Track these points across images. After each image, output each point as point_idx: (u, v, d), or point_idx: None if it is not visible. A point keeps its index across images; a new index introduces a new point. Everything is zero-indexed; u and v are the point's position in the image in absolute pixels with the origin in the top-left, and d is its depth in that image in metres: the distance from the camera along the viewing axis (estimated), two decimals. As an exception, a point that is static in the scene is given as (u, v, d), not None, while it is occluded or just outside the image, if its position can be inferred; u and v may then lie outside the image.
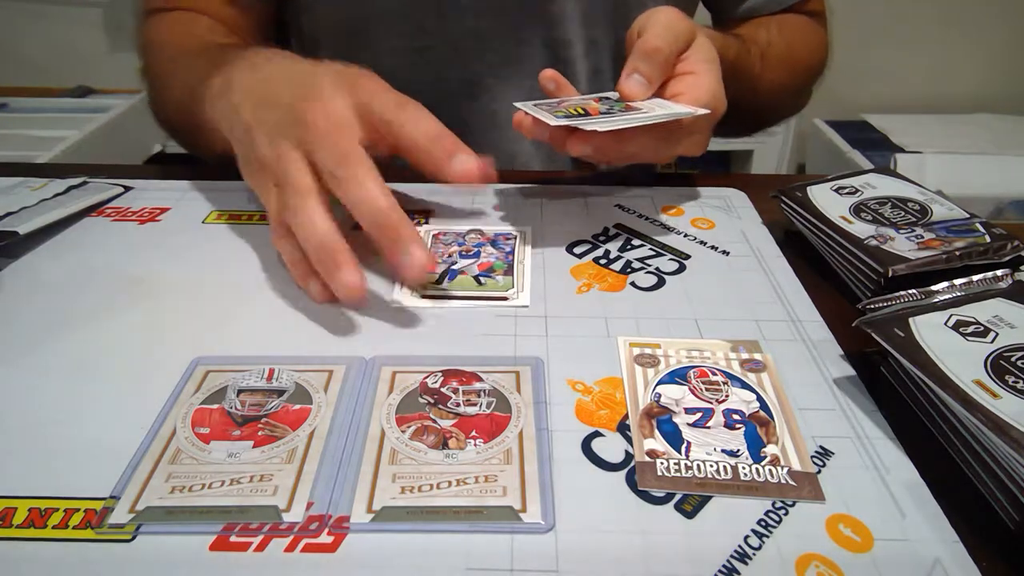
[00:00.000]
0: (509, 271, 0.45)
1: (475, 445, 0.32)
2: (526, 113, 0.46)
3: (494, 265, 0.45)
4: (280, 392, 0.35)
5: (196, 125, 0.51)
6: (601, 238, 0.49)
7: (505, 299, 0.42)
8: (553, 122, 0.43)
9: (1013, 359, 0.32)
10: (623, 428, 0.33)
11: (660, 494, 0.30)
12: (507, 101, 0.66)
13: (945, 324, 0.35)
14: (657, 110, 0.45)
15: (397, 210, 0.38)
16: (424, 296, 0.42)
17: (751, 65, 0.59)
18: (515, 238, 0.49)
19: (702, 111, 0.45)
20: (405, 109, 0.40)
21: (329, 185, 0.39)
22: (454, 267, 0.45)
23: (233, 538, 0.28)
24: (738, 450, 0.32)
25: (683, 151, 0.50)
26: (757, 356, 0.38)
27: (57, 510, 0.29)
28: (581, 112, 0.45)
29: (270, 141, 0.41)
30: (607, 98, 0.49)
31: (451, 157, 0.40)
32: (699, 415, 0.34)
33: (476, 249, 0.47)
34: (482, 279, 0.44)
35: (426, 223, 0.51)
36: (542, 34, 0.63)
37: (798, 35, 0.66)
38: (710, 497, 0.30)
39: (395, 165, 0.43)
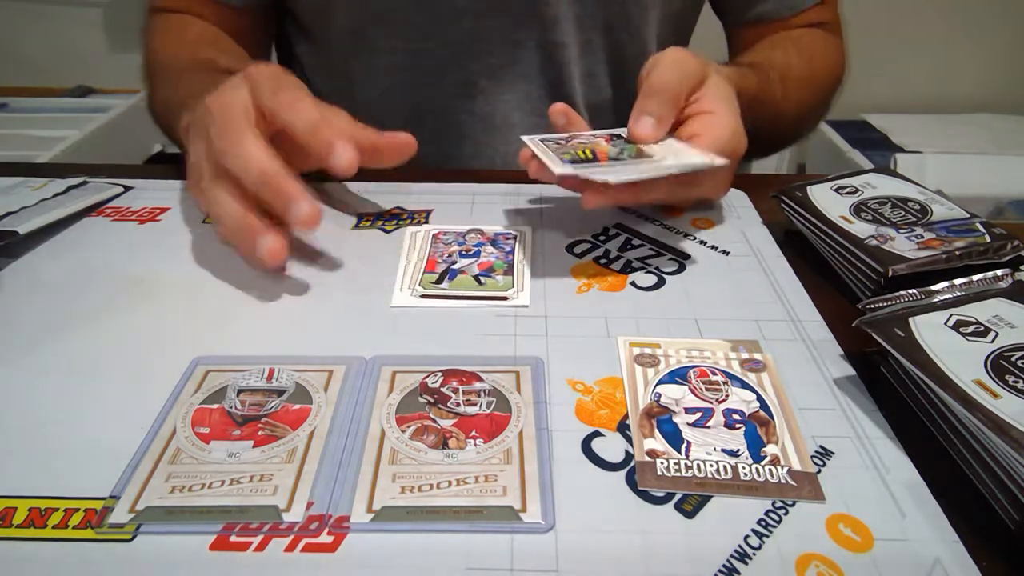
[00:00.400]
0: (509, 271, 0.45)
1: (475, 445, 0.32)
2: (533, 154, 0.45)
3: (494, 265, 0.45)
4: (280, 392, 0.35)
5: (175, 137, 0.54)
6: (601, 238, 0.49)
7: (505, 299, 0.42)
8: (558, 170, 0.42)
9: (1013, 359, 0.32)
10: (623, 428, 0.33)
11: (660, 494, 0.30)
12: (503, 103, 0.66)
13: (945, 324, 0.35)
14: (670, 157, 0.43)
15: (279, 169, 0.40)
16: (424, 296, 0.42)
17: (772, 92, 0.59)
18: (515, 238, 0.49)
19: (720, 161, 0.43)
20: (279, 95, 0.42)
21: (220, 163, 0.41)
22: (454, 267, 0.45)
23: (233, 538, 0.28)
24: (738, 450, 0.32)
25: (704, 194, 0.50)
26: (757, 356, 0.38)
27: (57, 510, 0.29)
28: (589, 156, 0.44)
29: (192, 144, 0.44)
30: (618, 137, 0.48)
31: (331, 149, 0.41)
32: (699, 415, 0.34)
33: (476, 249, 0.47)
34: (482, 279, 0.44)
35: (426, 223, 0.51)
36: (537, 36, 0.63)
37: (817, 52, 0.66)
38: (710, 497, 0.30)
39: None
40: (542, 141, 0.46)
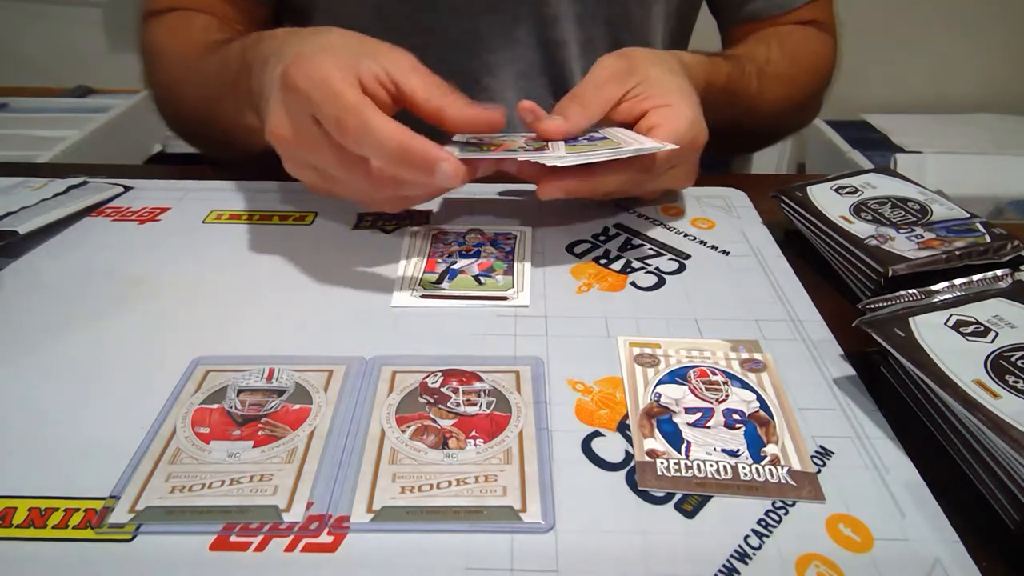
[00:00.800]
0: (509, 271, 0.45)
1: (475, 445, 0.32)
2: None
3: (494, 265, 0.45)
4: (280, 392, 0.35)
5: (226, 122, 0.51)
6: (601, 238, 0.49)
7: (505, 299, 0.42)
8: (458, 154, 0.40)
9: (1013, 359, 0.32)
10: (623, 428, 0.33)
11: (660, 494, 0.30)
12: (503, 101, 0.66)
13: (945, 324, 0.35)
14: (623, 145, 0.43)
15: (413, 137, 0.37)
16: (424, 296, 0.42)
17: (747, 85, 0.59)
18: (515, 238, 0.49)
19: (670, 145, 0.43)
20: (390, 58, 0.42)
21: (343, 152, 0.39)
22: (454, 267, 0.45)
23: (233, 538, 0.28)
24: (738, 450, 0.32)
25: (669, 184, 0.50)
26: (757, 356, 0.38)
27: (57, 510, 0.29)
28: (526, 147, 0.44)
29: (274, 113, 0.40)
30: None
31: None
32: (699, 415, 0.34)
33: (476, 249, 0.47)
34: (482, 279, 0.44)
35: (426, 223, 0.51)
36: (537, 34, 0.63)
37: (801, 48, 0.65)
38: (710, 497, 0.30)
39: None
40: (463, 147, 0.45)
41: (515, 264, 0.46)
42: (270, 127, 0.41)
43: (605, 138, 0.45)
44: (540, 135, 0.45)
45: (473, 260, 0.46)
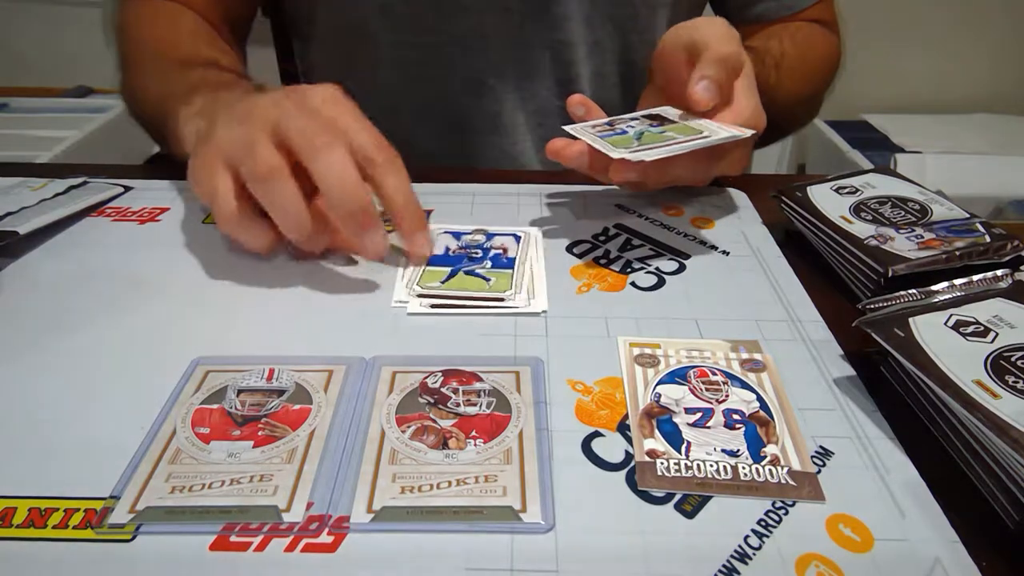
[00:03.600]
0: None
1: (475, 445, 0.32)
2: (573, 137, 0.44)
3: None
4: (280, 392, 0.35)
5: (165, 130, 0.52)
6: (601, 238, 0.49)
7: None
8: (615, 154, 0.42)
9: (1013, 359, 0.32)
10: (623, 428, 0.33)
11: (660, 494, 0.30)
12: (509, 102, 0.66)
13: (945, 324, 0.35)
14: (705, 131, 0.44)
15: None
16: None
17: (767, 77, 0.59)
18: (515, 238, 0.49)
19: (748, 132, 0.44)
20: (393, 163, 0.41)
21: (302, 157, 0.39)
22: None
23: (233, 538, 0.28)
24: (738, 450, 0.32)
25: (724, 171, 0.49)
26: (757, 356, 0.38)
27: (57, 510, 0.29)
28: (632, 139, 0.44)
29: (236, 124, 0.40)
30: (651, 117, 0.48)
31: (416, 231, 0.43)
32: (699, 415, 0.34)
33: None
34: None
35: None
36: (545, 35, 0.63)
37: (810, 43, 0.66)
38: (710, 497, 0.30)
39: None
40: (583, 128, 0.46)
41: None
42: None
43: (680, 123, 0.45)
44: (694, 105, 0.45)
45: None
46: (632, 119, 0.48)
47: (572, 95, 0.49)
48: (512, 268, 0.45)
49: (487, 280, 0.44)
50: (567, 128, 0.45)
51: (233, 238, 0.42)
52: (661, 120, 0.47)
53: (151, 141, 0.60)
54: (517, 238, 0.49)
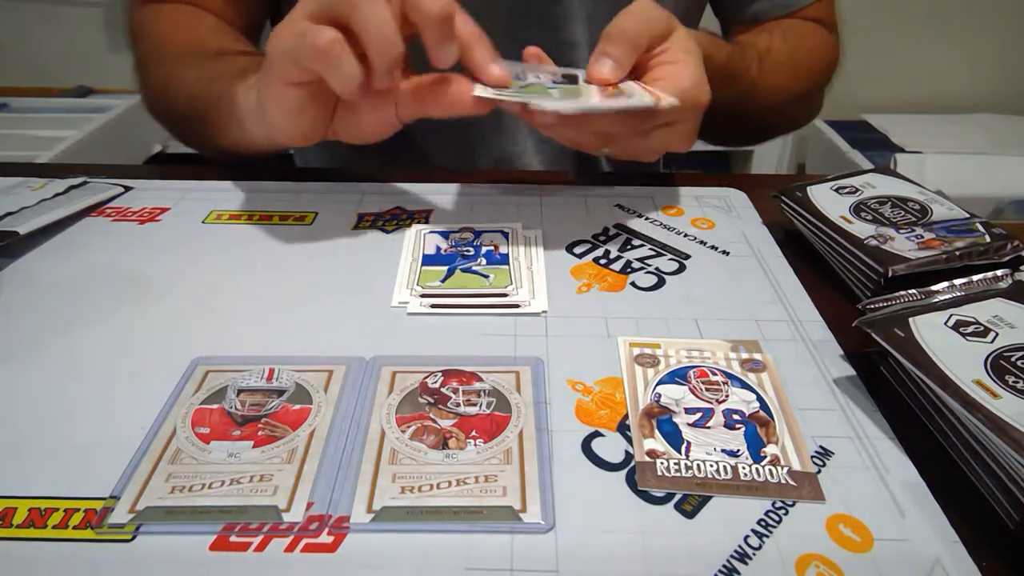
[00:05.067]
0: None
1: (475, 445, 0.32)
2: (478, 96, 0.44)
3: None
4: (280, 392, 0.35)
5: (214, 114, 0.52)
6: (601, 238, 0.49)
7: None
8: (481, 93, 0.42)
9: (1013, 359, 0.32)
10: (623, 428, 0.33)
11: (660, 494, 0.30)
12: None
13: (945, 324, 0.35)
14: (628, 94, 0.43)
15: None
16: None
17: (746, 68, 0.59)
18: (502, 234, 0.49)
19: (668, 100, 0.43)
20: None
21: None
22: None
23: (233, 538, 0.28)
24: (738, 450, 0.32)
25: (666, 143, 0.48)
26: (757, 356, 0.38)
27: (57, 510, 0.29)
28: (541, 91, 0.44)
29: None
30: (568, 76, 0.47)
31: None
32: (699, 415, 0.34)
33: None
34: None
35: (426, 223, 0.51)
36: (547, 35, 0.63)
37: (803, 40, 0.66)
38: (710, 497, 0.30)
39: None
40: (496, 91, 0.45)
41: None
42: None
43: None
44: (593, 80, 0.45)
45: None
46: (547, 72, 0.47)
47: (528, 47, 0.49)
48: (507, 264, 0.45)
49: (486, 277, 0.44)
50: (477, 91, 0.45)
51: (323, 70, 0.40)
52: (575, 80, 0.46)
53: (151, 141, 0.60)
54: (505, 234, 0.49)
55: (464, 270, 0.45)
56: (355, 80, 0.39)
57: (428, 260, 0.46)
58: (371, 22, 0.38)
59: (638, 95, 0.43)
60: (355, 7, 0.38)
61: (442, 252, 0.47)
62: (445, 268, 0.45)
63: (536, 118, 0.44)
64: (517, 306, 0.42)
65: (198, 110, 0.54)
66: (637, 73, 0.47)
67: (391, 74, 0.41)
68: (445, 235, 0.49)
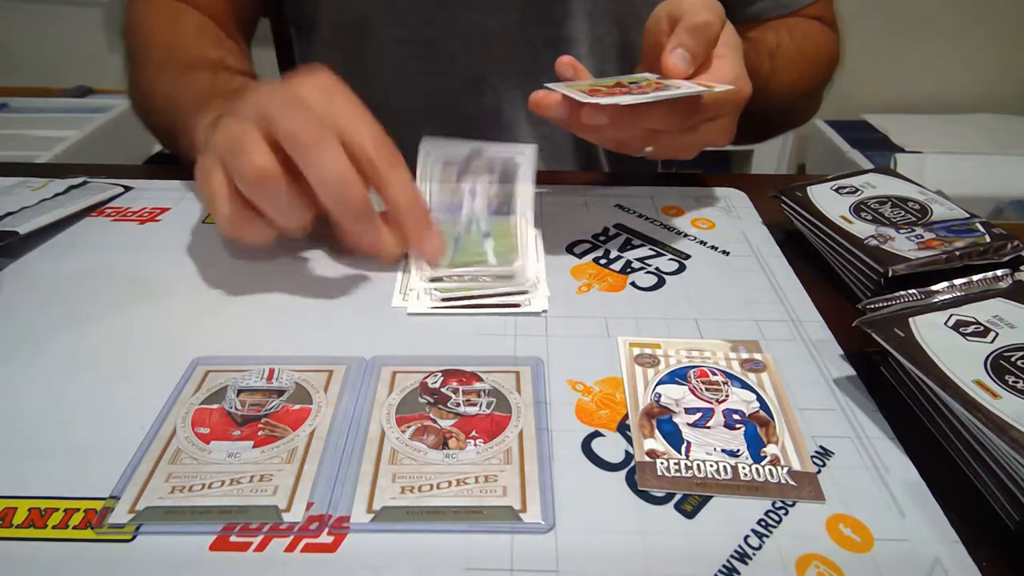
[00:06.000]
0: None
1: (475, 445, 0.32)
2: (550, 90, 0.44)
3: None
4: (280, 392, 0.35)
5: (178, 137, 0.53)
6: (601, 238, 0.49)
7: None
8: (585, 99, 0.42)
9: (1013, 359, 0.32)
10: (623, 428, 0.33)
11: (660, 494, 0.30)
12: (511, 100, 0.66)
13: (945, 324, 0.35)
14: (680, 87, 0.44)
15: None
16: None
17: (759, 64, 0.59)
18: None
19: (720, 87, 0.44)
20: (396, 167, 0.40)
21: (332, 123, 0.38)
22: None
23: (233, 538, 0.28)
24: (738, 450, 0.32)
25: (709, 137, 0.48)
26: (757, 356, 0.38)
27: (57, 510, 0.29)
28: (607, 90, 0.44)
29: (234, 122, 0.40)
30: (635, 81, 0.47)
31: (423, 232, 0.42)
32: (699, 415, 0.34)
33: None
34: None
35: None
36: (547, 32, 0.63)
37: (807, 37, 0.66)
38: (710, 497, 0.30)
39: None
40: (565, 86, 0.46)
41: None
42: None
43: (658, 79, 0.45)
44: (667, 72, 0.45)
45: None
46: (615, 79, 0.48)
47: (562, 56, 0.48)
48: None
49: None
50: (548, 85, 0.45)
51: (233, 238, 0.42)
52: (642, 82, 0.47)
53: (151, 141, 0.60)
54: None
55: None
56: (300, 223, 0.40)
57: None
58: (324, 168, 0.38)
59: (685, 86, 0.43)
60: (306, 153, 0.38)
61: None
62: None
63: (585, 120, 0.43)
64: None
65: (167, 129, 0.55)
66: None
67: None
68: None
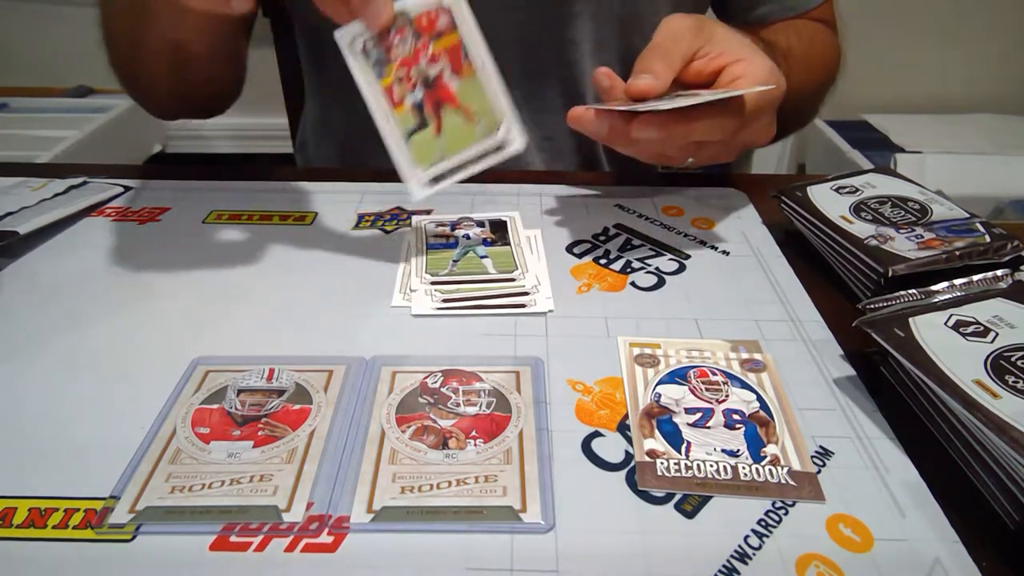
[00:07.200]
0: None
1: (475, 445, 0.32)
2: (587, 107, 0.45)
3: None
4: (280, 392, 0.35)
5: (137, 23, 0.51)
6: (601, 238, 0.49)
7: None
8: (641, 107, 0.42)
9: (1013, 359, 0.32)
10: (623, 428, 0.33)
11: (660, 494, 0.30)
12: (513, 100, 0.66)
13: (945, 324, 0.35)
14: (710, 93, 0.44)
15: None
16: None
17: (778, 65, 0.59)
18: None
19: (763, 86, 0.44)
20: None
21: None
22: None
23: (233, 538, 0.28)
24: (738, 450, 0.32)
25: (753, 136, 0.49)
26: (757, 356, 0.38)
27: (57, 510, 0.29)
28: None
29: None
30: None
31: None
32: (699, 415, 0.34)
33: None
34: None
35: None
36: (552, 33, 0.63)
37: (813, 39, 0.66)
38: (710, 497, 0.30)
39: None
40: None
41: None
42: None
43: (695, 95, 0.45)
44: (632, 95, 0.45)
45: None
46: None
47: (600, 67, 0.48)
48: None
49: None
50: (593, 106, 0.46)
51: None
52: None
53: (151, 141, 0.60)
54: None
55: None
56: None
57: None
58: None
59: (721, 92, 0.44)
60: None
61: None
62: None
63: (635, 133, 0.43)
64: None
65: (132, 23, 0.53)
66: (710, 83, 0.47)
67: None
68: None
